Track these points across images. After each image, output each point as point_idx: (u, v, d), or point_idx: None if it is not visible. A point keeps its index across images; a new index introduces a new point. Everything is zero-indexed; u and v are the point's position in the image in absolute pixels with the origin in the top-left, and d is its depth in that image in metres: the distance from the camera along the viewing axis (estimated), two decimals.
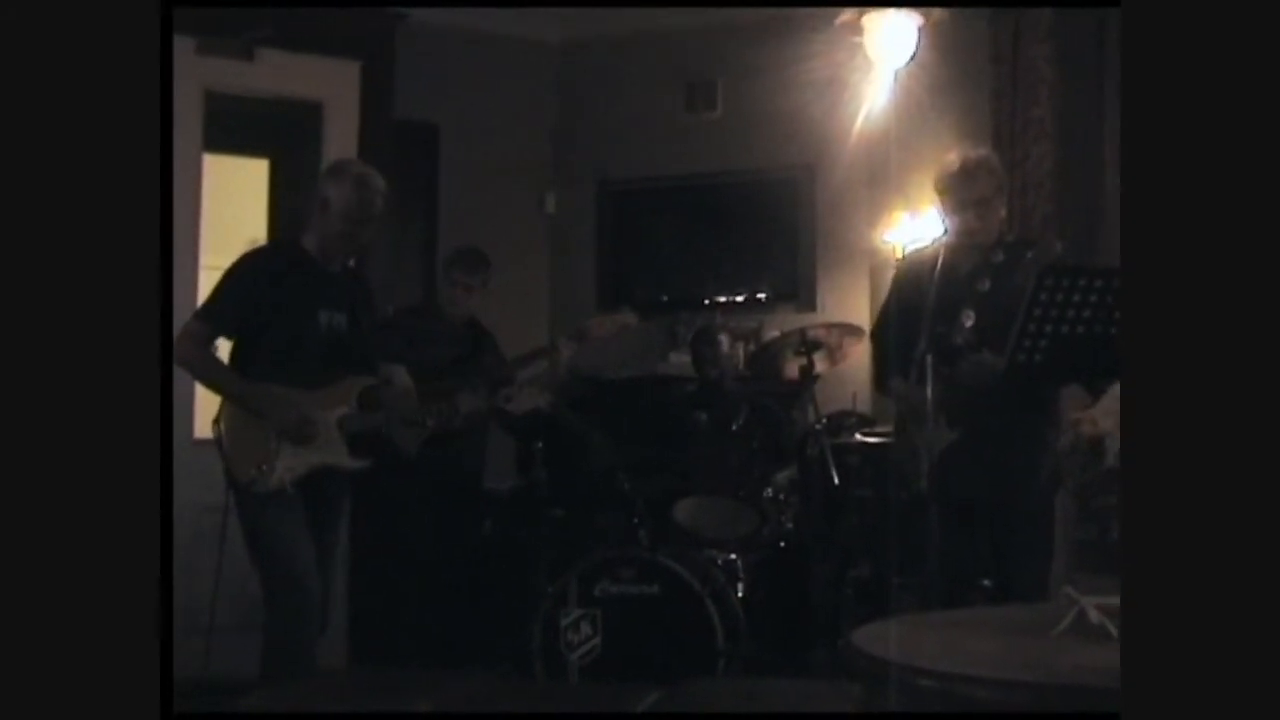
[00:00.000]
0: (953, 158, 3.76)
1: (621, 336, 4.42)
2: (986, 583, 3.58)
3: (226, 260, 3.85)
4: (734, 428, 4.71)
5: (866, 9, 5.40)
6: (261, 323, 3.63)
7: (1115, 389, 3.20)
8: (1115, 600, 1.94)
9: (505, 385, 4.41)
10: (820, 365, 4.64)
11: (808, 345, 4.59)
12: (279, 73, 5.39)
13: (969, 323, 3.61)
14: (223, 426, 3.63)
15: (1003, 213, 3.87)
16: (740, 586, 4.29)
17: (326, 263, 3.73)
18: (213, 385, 3.74)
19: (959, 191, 3.70)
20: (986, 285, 3.66)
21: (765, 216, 6.12)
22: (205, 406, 4.49)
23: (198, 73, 5.13)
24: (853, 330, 4.81)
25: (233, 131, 5.51)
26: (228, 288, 3.67)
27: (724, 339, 5.11)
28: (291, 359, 3.64)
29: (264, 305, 3.63)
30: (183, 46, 4.98)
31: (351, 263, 3.92)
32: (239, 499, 3.63)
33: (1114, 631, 2.01)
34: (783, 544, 4.54)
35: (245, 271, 3.69)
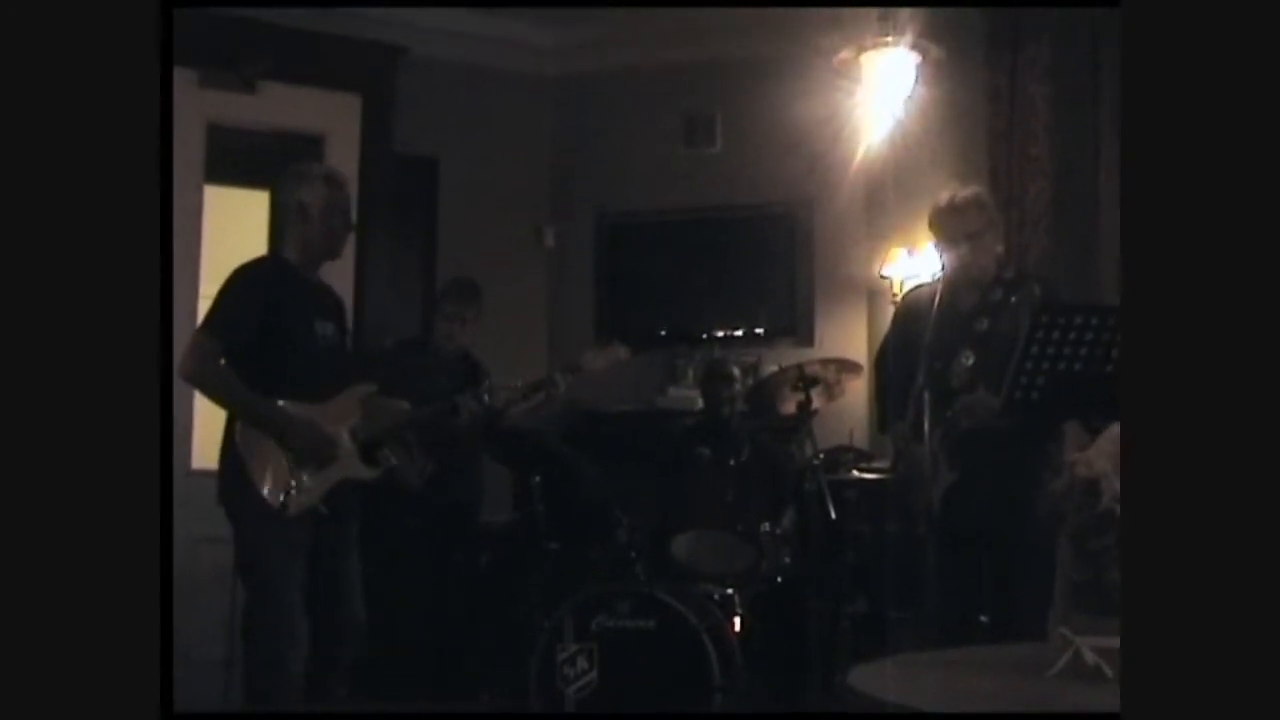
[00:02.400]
0: (944, 194, 3.81)
1: (616, 370, 4.42)
2: (984, 619, 3.57)
3: None
4: (733, 463, 4.71)
5: (863, 48, 5.41)
6: (262, 336, 3.56)
7: (1110, 431, 3.19)
8: (1111, 642, 1.93)
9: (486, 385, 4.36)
10: (818, 401, 4.64)
11: (805, 381, 4.59)
12: (280, 105, 5.42)
13: (969, 363, 3.62)
14: (242, 450, 3.51)
15: (999, 249, 3.89)
16: (737, 621, 4.28)
17: (308, 273, 3.74)
18: (225, 401, 3.60)
19: (950, 227, 3.76)
20: (985, 325, 3.68)
21: (763, 251, 6.12)
22: (202, 437, 4.48)
23: (200, 105, 5.18)
24: (850, 366, 4.80)
25: (234, 163, 5.54)
26: (229, 300, 3.61)
27: (737, 374, 5.07)
28: (295, 372, 3.58)
29: (263, 316, 3.57)
30: (185, 79, 5.01)
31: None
32: (243, 524, 3.54)
33: (1109, 673, 2.00)
34: (780, 579, 4.52)
35: (242, 283, 3.64)
